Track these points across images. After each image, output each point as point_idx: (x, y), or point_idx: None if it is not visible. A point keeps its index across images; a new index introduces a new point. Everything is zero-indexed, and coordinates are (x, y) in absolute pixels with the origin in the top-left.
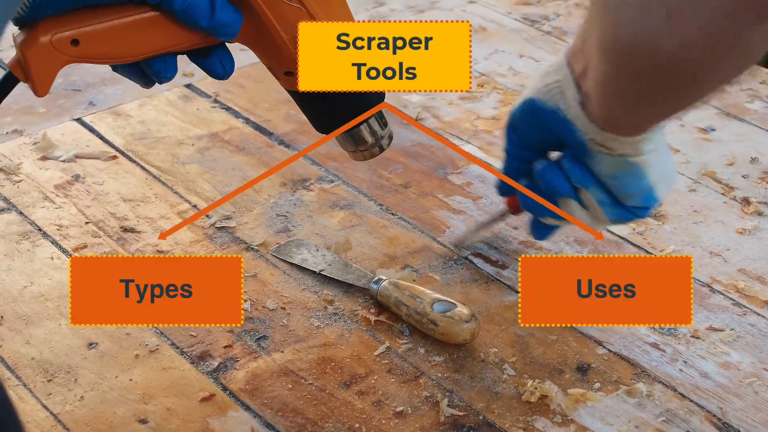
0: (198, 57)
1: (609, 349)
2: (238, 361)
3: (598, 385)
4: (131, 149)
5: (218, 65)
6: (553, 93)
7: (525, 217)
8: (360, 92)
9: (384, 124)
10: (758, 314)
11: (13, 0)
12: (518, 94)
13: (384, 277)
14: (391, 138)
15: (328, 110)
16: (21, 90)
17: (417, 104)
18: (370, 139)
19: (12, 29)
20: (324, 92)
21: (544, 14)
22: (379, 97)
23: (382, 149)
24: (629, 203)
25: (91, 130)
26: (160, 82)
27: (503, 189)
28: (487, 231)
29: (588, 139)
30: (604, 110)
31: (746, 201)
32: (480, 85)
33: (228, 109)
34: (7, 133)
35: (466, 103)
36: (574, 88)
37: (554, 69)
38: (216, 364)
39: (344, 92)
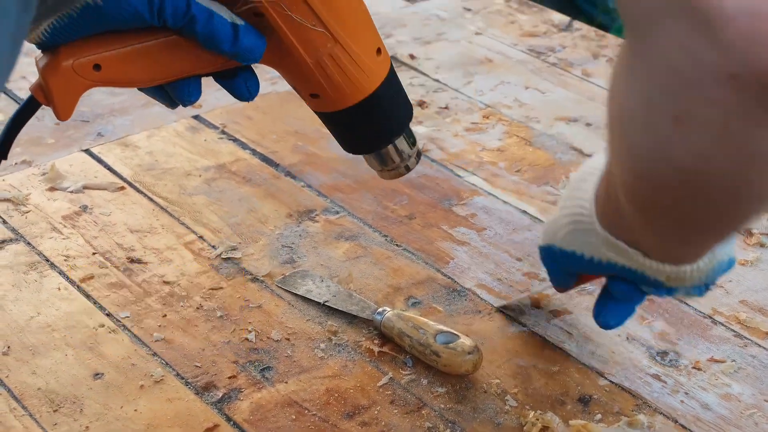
0: (223, 79)
1: (610, 380)
2: (242, 391)
3: (599, 416)
4: (139, 180)
5: (243, 87)
6: (601, 249)
7: (530, 248)
8: (390, 113)
9: (412, 142)
10: (759, 346)
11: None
12: (523, 125)
13: (388, 309)
14: (419, 156)
15: (357, 131)
16: (29, 121)
17: (423, 136)
18: (397, 159)
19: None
20: (353, 114)
21: (549, 46)
22: (408, 115)
23: (409, 168)
24: (713, 279)
25: (99, 161)
26: (184, 105)
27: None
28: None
29: (664, 278)
30: (661, 253)
31: (748, 232)
32: (485, 116)
33: (235, 140)
34: (15, 163)
35: (472, 134)
36: (629, 249)
37: (578, 227)
38: (220, 394)
39: (374, 113)
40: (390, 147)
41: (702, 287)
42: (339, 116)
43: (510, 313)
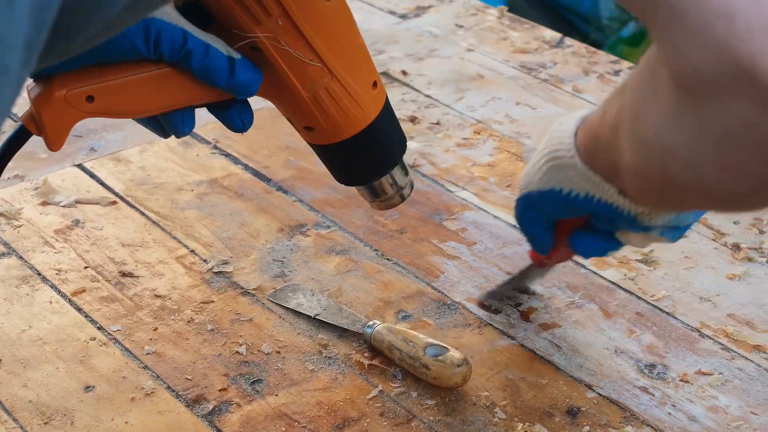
0: (217, 110)
1: (599, 393)
2: (232, 404)
3: (587, 428)
4: (131, 195)
5: (237, 119)
6: (578, 183)
7: (518, 263)
8: (385, 146)
9: (405, 173)
10: (746, 358)
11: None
12: (514, 141)
13: (378, 322)
14: (412, 186)
15: (351, 164)
16: None
17: (414, 151)
18: (390, 191)
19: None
20: (347, 147)
21: (541, 62)
22: (402, 148)
23: (403, 198)
24: (685, 224)
25: (92, 175)
26: (178, 136)
27: (542, 251)
28: (514, 286)
29: (638, 212)
30: (641, 200)
31: (737, 247)
32: (477, 132)
33: (227, 155)
34: (8, 178)
35: (463, 149)
36: (605, 183)
37: (555, 164)
38: (211, 407)
39: (368, 146)
40: (384, 179)
41: (675, 231)
42: (333, 149)
43: (492, 303)
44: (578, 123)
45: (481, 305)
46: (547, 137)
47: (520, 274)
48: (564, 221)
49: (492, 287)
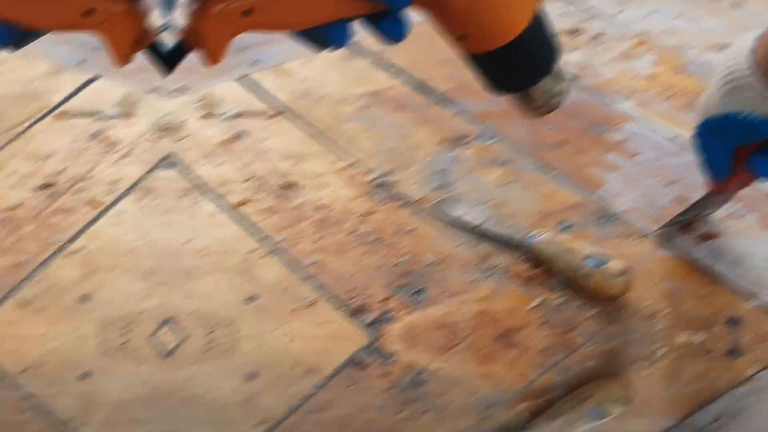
0: (372, 22)
1: (760, 303)
2: (394, 314)
3: (748, 338)
4: (293, 107)
5: (391, 30)
6: (758, 102)
7: (680, 174)
8: (536, 54)
9: (558, 81)
10: None
11: None
12: (675, 52)
13: (539, 232)
14: (565, 95)
15: (503, 72)
16: None
17: (575, 64)
18: (542, 99)
19: None
20: (499, 55)
21: None
22: (554, 56)
23: (556, 106)
24: None
25: (255, 87)
26: (334, 49)
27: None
28: (692, 215)
29: None
30: None
31: None
32: (638, 44)
33: (389, 67)
34: (171, 90)
35: (623, 62)
36: None
37: (733, 85)
38: (372, 317)
39: (520, 54)
40: (535, 87)
41: None
42: (486, 57)
43: (670, 230)
44: (754, 41)
45: (661, 237)
46: (723, 61)
47: (698, 204)
48: (741, 146)
49: (670, 219)
